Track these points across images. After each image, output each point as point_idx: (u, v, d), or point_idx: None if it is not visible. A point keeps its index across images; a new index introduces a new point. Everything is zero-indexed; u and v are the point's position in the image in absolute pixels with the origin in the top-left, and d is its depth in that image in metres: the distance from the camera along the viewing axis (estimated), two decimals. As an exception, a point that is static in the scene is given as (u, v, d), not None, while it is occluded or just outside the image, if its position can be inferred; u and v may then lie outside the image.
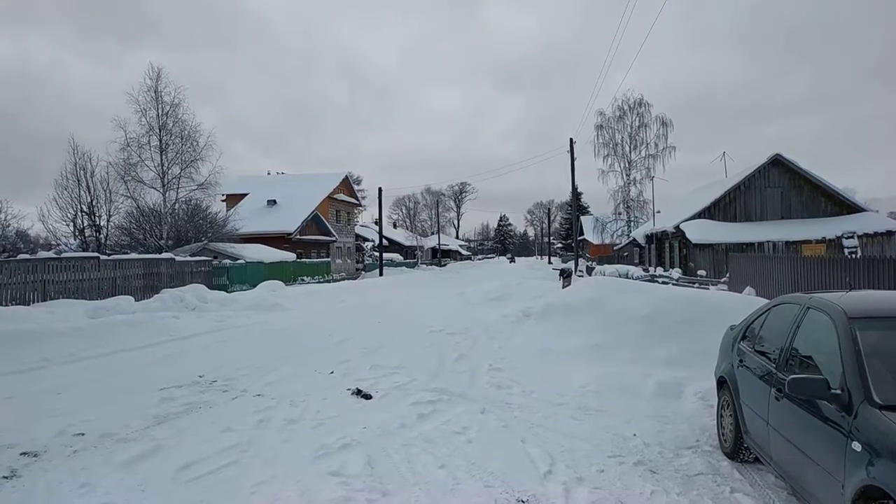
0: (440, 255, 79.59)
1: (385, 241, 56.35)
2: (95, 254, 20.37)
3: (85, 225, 29.37)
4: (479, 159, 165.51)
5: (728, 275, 20.09)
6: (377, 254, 52.75)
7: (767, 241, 26.09)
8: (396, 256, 66.84)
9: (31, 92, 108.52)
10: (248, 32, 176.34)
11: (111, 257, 19.94)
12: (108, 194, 29.45)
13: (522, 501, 4.12)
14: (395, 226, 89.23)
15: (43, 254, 19.63)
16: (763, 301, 7.77)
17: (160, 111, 29.08)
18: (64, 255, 19.35)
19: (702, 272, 25.06)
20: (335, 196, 48.56)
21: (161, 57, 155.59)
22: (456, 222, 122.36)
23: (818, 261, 13.48)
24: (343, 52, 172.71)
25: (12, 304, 14.19)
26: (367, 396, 6.95)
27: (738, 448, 4.86)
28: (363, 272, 51.18)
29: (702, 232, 27.24)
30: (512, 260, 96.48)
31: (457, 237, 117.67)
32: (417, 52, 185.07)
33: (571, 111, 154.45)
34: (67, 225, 29.04)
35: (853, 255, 21.81)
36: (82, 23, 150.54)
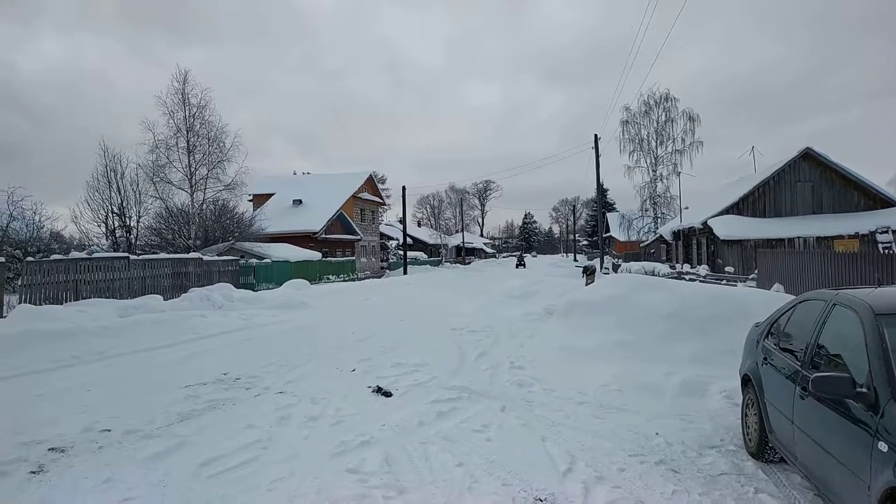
0: (464, 254, 79.54)
1: (409, 240, 56.56)
2: (125, 254, 20.78)
3: (116, 226, 30.03)
4: (510, 155, 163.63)
5: (756, 271, 19.70)
6: (401, 252, 52.96)
7: (798, 237, 25.49)
8: (421, 255, 66.87)
9: (70, 95, 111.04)
10: (294, 28, 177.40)
11: (140, 257, 20.32)
12: (137, 195, 30.06)
13: (540, 500, 4.08)
14: (419, 224, 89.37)
15: (75, 254, 20.03)
16: (791, 298, 7.58)
17: (187, 113, 29.65)
18: (95, 255, 19.75)
19: (730, 269, 24.62)
20: (360, 195, 48.84)
21: (205, 55, 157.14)
22: (480, 220, 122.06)
23: (849, 257, 13.14)
24: (386, 48, 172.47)
25: (46, 304, 14.57)
26: (388, 394, 6.97)
27: (762, 448, 4.75)
28: (387, 271, 51.35)
29: (730, 228, 26.72)
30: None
31: (481, 235, 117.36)
32: (461, 47, 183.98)
33: (606, 106, 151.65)
34: (99, 226, 29.73)
35: (888, 251, 21.23)
36: (130, 21, 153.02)
